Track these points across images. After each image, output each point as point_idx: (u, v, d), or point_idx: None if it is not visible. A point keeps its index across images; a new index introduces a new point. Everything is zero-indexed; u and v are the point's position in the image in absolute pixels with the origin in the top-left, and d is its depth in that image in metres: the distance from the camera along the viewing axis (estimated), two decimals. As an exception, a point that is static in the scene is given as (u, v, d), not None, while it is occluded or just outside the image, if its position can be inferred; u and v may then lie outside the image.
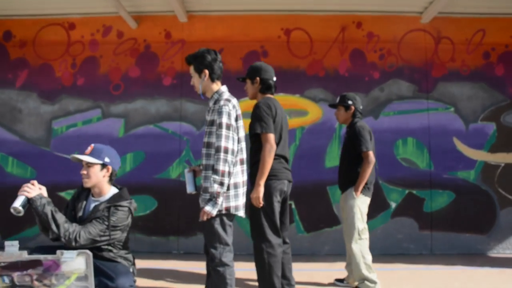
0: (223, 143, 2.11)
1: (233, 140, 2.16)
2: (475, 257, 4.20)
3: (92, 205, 2.10)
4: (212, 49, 2.38)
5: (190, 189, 2.39)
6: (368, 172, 2.86)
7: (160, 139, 4.49)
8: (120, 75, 4.55)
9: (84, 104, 4.54)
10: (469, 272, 3.59)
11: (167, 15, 4.58)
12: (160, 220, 4.42)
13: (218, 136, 2.13)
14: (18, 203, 1.83)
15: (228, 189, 2.14)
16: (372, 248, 4.39)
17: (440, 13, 4.36)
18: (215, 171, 2.08)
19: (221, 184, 2.08)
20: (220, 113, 2.17)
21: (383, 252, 4.31)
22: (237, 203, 2.20)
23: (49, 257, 1.53)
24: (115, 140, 4.48)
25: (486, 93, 4.50)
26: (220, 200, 2.09)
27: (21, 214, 1.85)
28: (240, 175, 2.22)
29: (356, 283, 2.89)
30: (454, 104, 4.50)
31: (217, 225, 2.14)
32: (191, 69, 2.38)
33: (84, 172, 2.12)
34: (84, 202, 2.14)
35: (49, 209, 1.92)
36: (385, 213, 4.42)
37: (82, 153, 2.21)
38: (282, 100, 4.32)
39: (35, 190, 1.93)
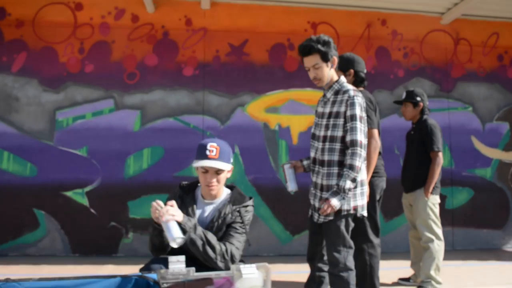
0: (359, 137, 2.15)
1: (364, 134, 2.22)
2: (493, 251, 4.84)
3: (209, 210, 1.97)
4: (327, 36, 2.36)
5: (292, 186, 2.45)
6: (438, 172, 3.17)
7: (180, 134, 4.58)
8: (135, 63, 4.57)
9: (94, 93, 4.50)
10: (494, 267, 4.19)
11: (188, 1, 4.71)
12: (181, 221, 4.50)
13: (353, 130, 2.15)
14: (176, 232, 1.63)
15: (355, 186, 2.19)
16: (398, 246, 4.89)
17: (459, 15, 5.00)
18: (351, 167, 2.12)
19: (354, 180, 2.14)
20: (352, 104, 2.18)
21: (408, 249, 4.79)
22: (363, 202, 2.26)
23: (222, 273, 1.43)
24: (130, 134, 4.48)
25: (500, 94, 5.19)
26: (345, 198, 2.13)
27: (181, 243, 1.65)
28: (365, 173, 2.30)
29: (419, 280, 3.24)
30: (472, 104, 5.13)
31: (343, 227, 2.17)
32: (314, 58, 2.27)
33: (214, 180, 1.91)
34: (194, 207, 1.97)
35: (200, 230, 1.78)
36: (409, 211, 4.92)
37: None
38: (310, 95, 4.70)
39: (178, 211, 1.77)
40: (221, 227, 1.90)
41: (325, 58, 2.27)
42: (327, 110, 2.31)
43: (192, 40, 4.68)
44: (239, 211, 1.95)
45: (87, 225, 4.38)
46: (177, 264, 1.38)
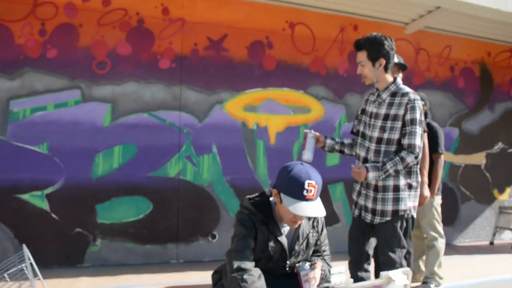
0: (417, 142, 2.39)
1: (422, 138, 2.47)
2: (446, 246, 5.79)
3: (286, 231, 2.00)
4: (389, 36, 2.57)
5: (308, 155, 2.62)
6: (441, 173, 3.70)
7: (155, 131, 4.66)
8: (106, 51, 4.53)
9: (57, 82, 4.35)
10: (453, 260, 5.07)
11: (165, -12, 4.82)
12: (156, 225, 4.59)
13: (412, 134, 2.39)
14: None
15: (410, 188, 2.47)
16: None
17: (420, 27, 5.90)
18: (403, 160, 2.37)
19: (396, 172, 2.40)
20: (413, 108, 2.40)
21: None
22: (416, 204, 2.52)
23: (376, 282, 1.59)
24: (99, 129, 4.43)
25: (452, 102, 6.22)
26: (379, 177, 2.37)
27: None
28: (419, 176, 2.54)
29: (422, 278, 3.78)
30: (430, 110, 6.07)
31: (399, 227, 2.40)
32: (362, 55, 2.54)
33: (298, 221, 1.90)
34: (274, 231, 1.94)
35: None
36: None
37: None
38: (287, 95, 5.16)
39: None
40: (307, 251, 1.99)
41: (371, 57, 2.51)
42: (382, 111, 2.52)
43: (169, 31, 4.80)
44: (315, 227, 2.08)
45: (47, 233, 4.22)
46: (338, 276, 1.70)
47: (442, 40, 6.20)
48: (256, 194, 2.05)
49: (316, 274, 1.83)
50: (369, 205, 2.53)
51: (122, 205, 4.48)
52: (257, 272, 1.78)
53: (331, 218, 5.37)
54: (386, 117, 2.50)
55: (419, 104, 2.45)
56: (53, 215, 4.26)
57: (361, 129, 2.71)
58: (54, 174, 4.28)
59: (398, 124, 2.46)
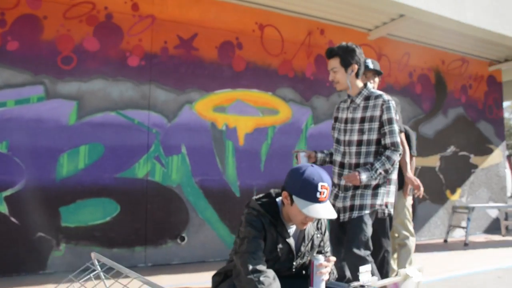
0: (398, 139, 2.58)
1: (400, 135, 2.68)
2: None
3: (292, 232, 2.06)
4: (358, 45, 2.74)
5: None
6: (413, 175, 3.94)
7: (123, 130, 4.64)
8: (72, 46, 4.44)
9: (19, 77, 4.20)
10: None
11: (134, -17, 4.82)
12: (124, 228, 4.57)
13: (392, 132, 2.58)
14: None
15: (389, 184, 2.65)
16: None
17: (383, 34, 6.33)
18: (389, 159, 2.55)
19: (386, 172, 2.57)
20: (388, 108, 2.60)
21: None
22: (393, 200, 2.67)
23: (395, 279, 1.74)
24: (63, 127, 4.35)
25: (410, 107, 6.72)
26: (372, 177, 2.52)
27: None
28: (396, 172, 2.70)
29: (394, 275, 4.10)
30: (399, 114, 6.53)
31: (369, 221, 2.56)
32: (335, 62, 2.70)
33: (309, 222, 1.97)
34: (282, 233, 2.00)
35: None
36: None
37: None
38: (256, 97, 5.36)
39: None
40: (311, 252, 2.07)
41: (344, 63, 2.67)
42: (358, 115, 2.69)
43: (138, 27, 4.80)
44: (319, 229, 2.13)
45: (5, 238, 4.07)
46: (367, 274, 1.82)
47: (402, 47, 6.68)
48: (262, 194, 2.10)
49: (330, 266, 1.97)
50: (347, 203, 2.66)
51: (88, 207, 4.43)
52: (271, 273, 1.84)
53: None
54: (362, 120, 2.67)
55: (393, 104, 2.65)
56: (13, 219, 4.12)
57: (336, 135, 2.87)
58: (14, 175, 4.15)
59: (375, 125, 2.63)
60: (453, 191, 7.10)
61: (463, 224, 6.89)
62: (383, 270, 3.12)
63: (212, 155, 5.11)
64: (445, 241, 6.53)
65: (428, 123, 6.82)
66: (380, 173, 2.59)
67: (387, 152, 2.60)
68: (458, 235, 6.96)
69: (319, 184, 1.85)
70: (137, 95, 4.74)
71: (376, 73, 3.65)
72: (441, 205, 6.90)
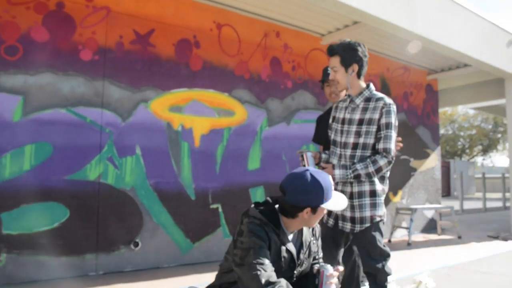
0: (392, 146, 2.52)
1: (395, 143, 2.60)
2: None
3: (295, 240, 2.10)
4: (362, 43, 2.69)
5: None
6: None
7: (74, 129, 4.46)
8: (17, 35, 4.17)
9: (-45, 67, 3.89)
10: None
11: (88, -29, 4.65)
12: (73, 234, 4.40)
13: (387, 138, 2.51)
14: None
15: (378, 195, 2.59)
16: None
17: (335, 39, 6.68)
18: (375, 163, 2.48)
19: (368, 175, 2.49)
20: (388, 112, 2.53)
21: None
22: (384, 210, 2.64)
23: (410, 287, 1.85)
24: (7, 124, 4.08)
25: (358, 112, 7.20)
26: (347, 176, 2.51)
27: None
28: (387, 183, 2.67)
29: None
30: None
31: (378, 234, 2.54)
32: (335, 60, 2.65)
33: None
34: (285, 241, 2.04)
35: None
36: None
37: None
38: (212, 97, 5.45)
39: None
40: (308, 259, 2.13)
41: (344, 62, 2.62)
42: (357, 116, 2.63)
43: (92, 19, 4.64)
44: (314, 235, 2.18)
45: None
46: (393, 285, 1.92)
47: (351, 53, 7.11)
48: (259, 202, 2.11)
49: (339, 276, 2.09)
50: (347, 213, 2.61)
51: (33, 212, 4.20)
52: (284, 281, 1.85)
53: (252, 222, 5.77)
54: (360, 122, 2.61)
55: (394, 108, 2.59)
56: None
57: (332, 136, 2.83)
58: None
59: (373, 128, 2.57)
60: (395, 194, 7.70)
61: (404, 224, 7.52)
62: (354, 274, 3.20)
63: (167, 156, 5.10)
64: (389, 241, 7.08)
65: (374, 128, 7.33)
66: (359, 175, 2.52)
67: (376, 156, 2.54)
68: (399, 235, 7.57)
69: (328, 178, 2.00)
70: (89, 92, 4.59)
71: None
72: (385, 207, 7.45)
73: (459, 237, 7.51)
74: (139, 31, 4.95)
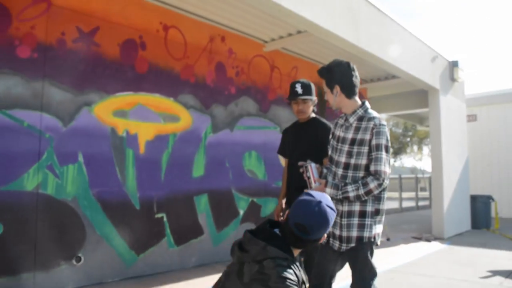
0: (384, 168, 2.52)
1: (389, 164, 2.59)
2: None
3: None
4: (345, 61, 2.72)
5: (317, 184, 2.67)
6: None
7: (10, 134, 4.06)
8: None
9: None
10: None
11: (26, -41, 4.25)
12: (8, 251, 4.00)
13: (377, 160, 2.52)
14: None
15: (378, 214, 2.61)
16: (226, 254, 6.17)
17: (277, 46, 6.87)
18: (365, 185, 2.50)
19: (358, 198, 2.52)
20: (379, 133, 2.54)
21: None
22: (380, 230, 2.65)
23: None
24: None
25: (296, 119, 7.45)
26: (337, 196, 2.53)
27: None
28: (385, 203, 2.67)
29: None
30: (279, 124, 7.11)
31: (369, 254, 2.56)
32: (323, 83, 2.74)
33: None
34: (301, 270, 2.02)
35: None
36: (235, 220, 6.28)
37: None
38: (157, 102, 5.35)
39: None
40: None
41: (328, 85, 2.71)
42: (349, 135, 2.65)
43: (31, 12, 4.26)
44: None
45: None
46: None
47: (291, 61, 7.36)
48: (255, 229, 2.06)
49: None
50: (336, 231, 2.65)
51: (-39, 228, 3.78)
52: None
53: (196, 231, 5.72)
54: (352, 141, 2.63)
55: (385, 129, 2.60)
56: None
57: (329, 153, 2.87)
58: None
59: (365, 149, 2.59)
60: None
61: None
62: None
63: (111, 164, 4.86)
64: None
65: (310, 135, 7.66)
66: (348, 197, 2.55)
67: (367, 178, 2.55)
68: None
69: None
70: (27, 93, 4.22)
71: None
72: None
73: (388, 239, 8.13)
74: (83, 28, 4.66)
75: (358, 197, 2.55)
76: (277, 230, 2.06)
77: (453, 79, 9.07)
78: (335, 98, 2.71)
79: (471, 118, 12.70)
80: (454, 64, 8.94)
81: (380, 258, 6.37)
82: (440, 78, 8.64)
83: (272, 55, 7.00)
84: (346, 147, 2.66)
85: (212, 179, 5.96)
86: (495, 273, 5.49)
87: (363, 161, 2.60)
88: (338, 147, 2.74)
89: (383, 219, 2.70)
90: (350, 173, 2.63)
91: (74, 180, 4.53)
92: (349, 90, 2.69)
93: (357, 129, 2.63)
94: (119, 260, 4.87)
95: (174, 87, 5.54)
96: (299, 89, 3.52)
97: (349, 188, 2.55)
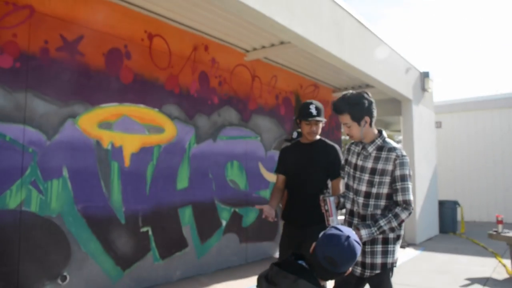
0: (411, 197, 2.62)
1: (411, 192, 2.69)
2: (269, 260, 6.90)
3: None
4: (365, 92, 2.76)
5: (337, 221, 2.72)
6: None
7: (-9, 149, 3.83)
8: None
9: None
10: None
11: (8, -36, 4.01)
12: (-11, 274, 3.76)
13: (404, 190, 2.61)
14: None
15: (398, 239, 2.71)
16: (220, 263, 6.14)
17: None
18: (397, 217, 2.57)
19: (392, 230, 2.60)
20: (402, 164, 2.62)
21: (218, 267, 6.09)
22: (399, 253, 2.76)
23: None
24: None
25: (276, 127, 7.44)
26: (373, 234, 2.57)
27: None
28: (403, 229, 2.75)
29: None
30: (260, 134, 7.09)
31: (390, 279, 2.66)
32: (345, 118, 2.72)
33: None
34: None
35: None
36: (218, 231, 6.19)
37: None
38: (142, 113, 5.23)
39: None
40: None
41: (355, 118, 2.70)
42: (369, 165, 2.72)
43: (13, 19, 4.03)
44: None
45: None
46: None
47: (271, 70, 7.36)
48: (291, 267, 2.04)
49: None
50: (359, 258, 2.68)
51: None
52: None
53: (180, 243, 5.60)
54: (373, 171, 2.69)
55: (407, 160, 2.69)
56: None
57: (346, 179, 2.92)
58: None
59: (387, 179, 2.66)
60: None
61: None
62: None
63: (96, 178, 4.68)
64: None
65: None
66: (384, 231, 2.60)
67: (397, 210, 2.62)
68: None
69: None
70: (9, 105, 3.99)
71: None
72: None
73: (362, 246, 8.24)
74: (67, 36, 4.47)
75: (392, 229, 2.63)
76: (302, 262, 2.10)
77: (424, 89, 9.39)
78: (362, 129, 2.73)
79: (437, 125, 13.14)
80: (425, 75, 9.24)
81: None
82: (413, 88, 8.91)
83: (254, 64, 6.98)
84: (366, 176, 2.71)
85: (196, 190, 5.86)
86: (473, 280, 5.70)
87: (385, 190, 2.67)
88: (356, 175, 2.78)
89: (400, 242, 2.78)
90: (372, 202, 2.70)
91: (58, 196, 4.32)
92: (373, 120, 2.75)
93: (377, 159, 2.70)
94: (105, 277, 4.70)
95: (158, 97, 5.41)
96: (313, 110, 3.42)
97: (382, 223, 2.60)
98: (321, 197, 2.84)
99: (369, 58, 6.90)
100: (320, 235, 2.05)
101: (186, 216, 5.72)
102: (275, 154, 7.36)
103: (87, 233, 4.55)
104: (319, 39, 5.46)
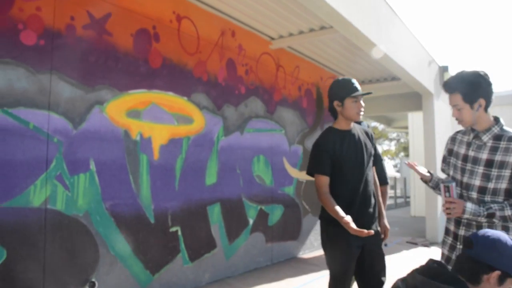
0: None
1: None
2: (293, 261, 6.42)
3: None
4: (483, 71, 2.39)
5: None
6: None
7: (13, 138, 3.24)
8: None
9: None
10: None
11: None
12: (12, 281, 3.19)
13: None
14: None
15: None
16: (247, 265, 5.65)
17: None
18: None
19: (503, 217, 2.24)
20: None
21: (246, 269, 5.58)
22: None
23: None
24: None
25: (299, 120, 6.95)
26: (479, 212, 2.25)
27: None
28: None
29: None
30: (284, 127, 6.59)
31: None
32: (456, 98, 2.40)
33: None
34: None
35: None
36: (245, 231, 5.68)
37: None
38: (171, 101, 4.68)
39: None
40: None
41: (468, 99, 2.36)
42: (484, 156, 2.36)
43: (37, -9, 3.47)
44: None
45: None
46: None
47: (294, 60, 6.86)
48: (442, 277, 1.70)
49: None
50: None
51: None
52: None
53: (209, 244, 5.07)
54: (489, 163, 2.35)
55: None
56: None
57: (451, 173, 2.57)
58: None
59: (507, 172, 2.30)
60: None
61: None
62: None
63: (125, 172, 4.13)
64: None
65: (311, 137, 7.19)
66: (493, 214, 2.28)
67: None
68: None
69: None
70: (33, 88, 3.42)
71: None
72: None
73: (385, 245, 7.83)
74: (94, 13, 3.90)
75: (503, 218, 2.28)
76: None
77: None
78: (475, 113, 2.38)
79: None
80: (444, 69, 8.87)
81: (400, 267, 6.05)
82: (434, 82, 8.53)
83: (278, 53, 6.47)
84: (481, 169, 2.37)
85: (224, 186, 5.34)
86: None
87: (503, 185, 2.32)
88: (467, 168, 2.44)
89: None
90: (488, 198, 2.35)
91: (85, 192, 3.76)
92: (490, 104, 2.39)
93: (495, 149, 2.35)
94: (134, 281, 4.15)
95: (187, 85, 4.87)
96: (357, 85, 2.83)
97: (495, 206, 2.28)
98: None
99: (400, 48, 6.46)
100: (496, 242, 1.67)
101: (215, 214, 5.19)
102: (298, 148, 6.88)
103: (115, 234, 4.00)
104: (361, 25, 4.99)
